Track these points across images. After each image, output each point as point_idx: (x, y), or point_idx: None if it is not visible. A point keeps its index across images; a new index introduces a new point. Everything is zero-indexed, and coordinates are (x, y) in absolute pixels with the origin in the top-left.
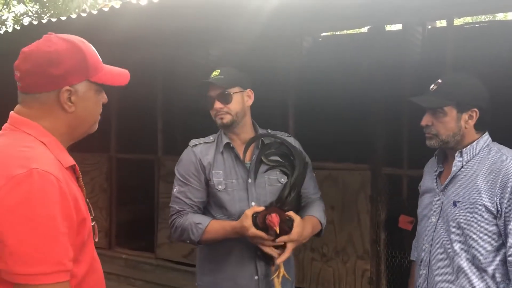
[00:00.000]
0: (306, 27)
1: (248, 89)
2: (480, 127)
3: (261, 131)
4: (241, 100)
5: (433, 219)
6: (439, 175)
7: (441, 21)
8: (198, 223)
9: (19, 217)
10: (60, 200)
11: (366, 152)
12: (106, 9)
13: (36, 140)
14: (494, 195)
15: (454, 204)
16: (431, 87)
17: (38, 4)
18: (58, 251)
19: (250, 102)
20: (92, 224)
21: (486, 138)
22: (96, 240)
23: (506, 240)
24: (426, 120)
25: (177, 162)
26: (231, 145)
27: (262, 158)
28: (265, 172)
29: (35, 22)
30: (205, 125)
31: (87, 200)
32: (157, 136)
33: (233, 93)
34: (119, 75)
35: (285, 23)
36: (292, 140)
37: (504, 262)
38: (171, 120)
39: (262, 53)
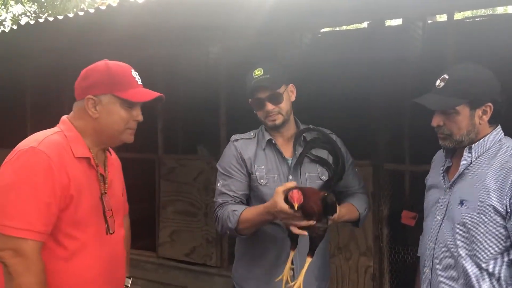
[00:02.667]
0: (306, 23)
1: (290, 84)
2: (493, 121)
3: (302, 127)
4: (288, 98)
5: (438, 217)
6: (447, 170)
7: (441, 15)
8: (234, 210)
9: (9, 180)
10: (45, 173)
11: (367, 148)
12: (103, 7)
13: (61, 132)
14: (504, 196)
15: (461, 203)
16: (437, 84)
17: (36, 4)
18: (32, 213)
19: (293, 97)
20: (109, 217)
21: (498, 132)
22: (111, 232)
23: None
24: (437, 121)
25: (220, 159)
26: (273, 141)
27: (306, 153)
28: (306, 167)
29: (32, 22)
30: (206, 124)
31: (104, 191)
32: (157, 135)
33: (283, 92)
34: (144, 95)
35: (285, 19)
36: (334, 138)
37: (510, 264)
38: (171, 119)
39: (262, 49)
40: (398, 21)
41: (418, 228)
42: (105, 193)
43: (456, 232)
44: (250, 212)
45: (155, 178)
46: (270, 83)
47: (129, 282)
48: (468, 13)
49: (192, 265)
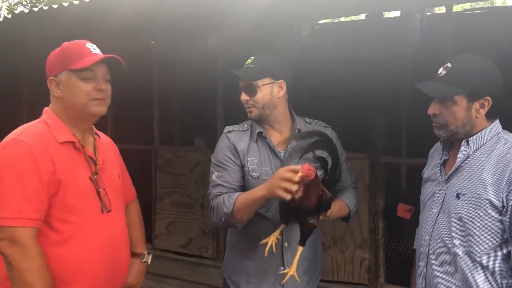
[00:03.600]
0: (303, 15)
1: (280, 80)
2: (491, 115)
3: (298, 119)
4: (269, 92)
5: (434, 210)
6: (444, 163)
7: (440, 8)
8: (230, 196)
9: None
10: (28, 162)
11: (364, 140)
12: None
13: (43, 122)
14: (500, 190)
15: (457, 196)
16: (439, 71)
17: None
18: (20, 201)
19: (281, 93)
20: (102, 195)
21: (495, 126)
22: (107, 210)
23: (511, 237)
24: (433, 109)
25: (214, 152)
26: (264, 134)
27: (309, 151)
28: (298, 162)
29: (26, 11)
30: (202, 115)
31: (96, 172)
32: (153, 127)
33: (261, 85)
34: (93, 59)
35: (282, 11)
36: (329, 131)
37: (505, 258)
38: (168, 109)
39: (259, 41)
40: (396, 13)
41: (414, 221)
42: (97, 173)
43: (452, 226)
44: (246, 193)
45: (151, 170)
46: (247, 74)
47: (149, 258)
48: (466, 6)
49: (189, 257)
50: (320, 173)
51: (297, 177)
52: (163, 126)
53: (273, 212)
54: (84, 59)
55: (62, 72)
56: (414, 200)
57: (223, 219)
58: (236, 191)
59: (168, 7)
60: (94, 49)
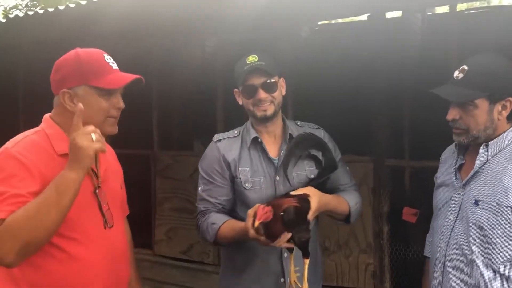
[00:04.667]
0: (303, 16)
1: (282, 78)
2: (511, 117)
3: (288, 122)
4: (280, 90)
5: (451, 217)
6: (459, 168)
7: (439, 7)
8: (213, 223)
9: None
10: (17, 169)
11: (367, 143)
12: None
13: (41, 131)
14: None
15: (476, 203)
16: (455, 75)
17: None
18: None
19: (283, 92)
20: (105, 210)
21: None
22: (109, 226)
23: None
24: (453, 114)
25: (201, 159)
26: (259, 139)
27: (293, 152)
28: (294, 167)
29: (21, 14)
30: (202, 119)
31: (98, 185)
32: (152, 131)
33: (277, 82)
34: (120, 79)
35: (281, 12)
36: (322, 133)
37: None
38: (166, 113)
39: (259, 43)
40: (397, 13)
41: (419, 225)
42: (99, 187)
43: (470, 234)
44: (228, 229)
45: (151, 175)
46: (266, 69)
47: None
48: (464, 6)
49: (189, 263)
50: (313, 173)
51: (256, 225)
52: (162, 130)
53: None
54: (107, 76)
55: (80, 86)
56: (419, 203)
57: (207, 242)
58: (223, 205)
59: (165, 9)
60: (112, 63)
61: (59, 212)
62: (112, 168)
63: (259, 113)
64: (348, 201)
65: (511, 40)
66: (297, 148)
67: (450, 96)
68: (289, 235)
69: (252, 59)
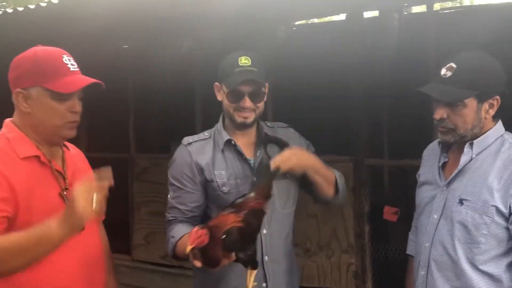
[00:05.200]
0: (280, 15)
1: (266, 83)
2: (497, 115)
3: (262, 123)
4: (264, 97)
5: (435, 216)
6: (443, 166)
7: (416, 7)
8: (172, 237)
9: None
10: None
11: (347, 143)
12: None
13: (2, 135)
14: (508, 196)
15: (461, 202)
16: (443, 73)
17: None
18: None
19: (265, 97)
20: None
21: (499, 127)
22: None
23: None
24: (440, 113)
25: (170, 163)
26: (233, 142)
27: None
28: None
29: None
30: (180, 121)
31: (65, 187)
32: (129, 134)
33: (264, 91)
34: (75, 83)
35: (259, 11)
36: (291, 132)
37: (510, 266)
38: (143, 116)
39: (236, 43)
40: (374, 13)
41: (400, 224)
42: (67, 189)
43: (454, 233)
44: (183, 244)
45: (128, 179)
46: (257, 77)
47: None
48: (440, 5)
49: (169, 268)
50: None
51: (187, 251)
52: (139, 133)
53: None
54: (63, 79)
55: (34, 87)
56: (399, 202)
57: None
58: (194, 212)
59: (140, 8)
60: (72, 64)
61: (30, 259)
62: (80, 170)
63: (239, 119)
64: (335, 174)
65: (486, 39)
66: (267, 151)
67: (440, 95)
68: (233, 258)
69: (244, 61)
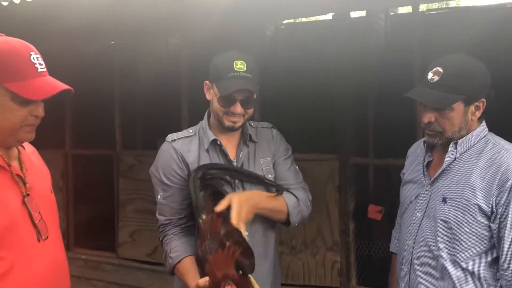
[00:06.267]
0: (268, 14)
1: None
2: (482, 117)
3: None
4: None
5: (418, 214)
6: (427, 165)
7: (402, 8)
8: (171, 256)
9: None
10: None
11: (332, 141)
12: None
13: None
14: (490, 195)
15: (444, 200)
16: (430, 77)
17: None
18: None
19: (255, 103)
20: (37, 221)
21: (483, 128)
22: (43, 238)
23: (499, 244)
24: (428, 117)
25: (154, 163)
26: (218, 142)
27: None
28: (252, 169)
29: None
30: (166, 118)
31: (26, 192)
32: (115, 131)
33: (256, 98)
34: (43, 89)
35: (246, 10)
36: (274, 132)
37: (491, 264)
38: (129, 113)
39: (224, 42)
40: (361, 13)
41: (384, 222)
42: (28, 194)
43: (437, 231)
44: (182, 270)
45: (113, 176)
46: (250, 85)
47: None
48: (426, 6)
49: (155, 265)
50: (270, 173)
51: None
52: (125, 130)
53: None
54: (29, 81)
55: None
56: (384, 200)
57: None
58: (186, 214)
59: (127, 7)
60: (39, 64)
61: None
62: (38, 170)
63: (227, 123)
64: (286, 200)
65: (471, 40)
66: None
67: (430, 102)
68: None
69: (240, 66)
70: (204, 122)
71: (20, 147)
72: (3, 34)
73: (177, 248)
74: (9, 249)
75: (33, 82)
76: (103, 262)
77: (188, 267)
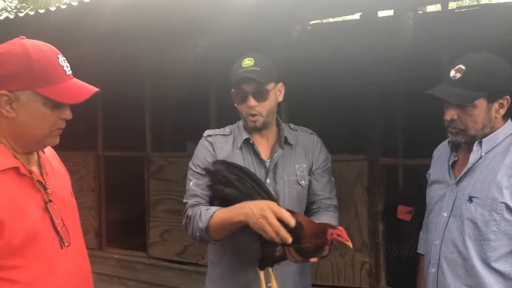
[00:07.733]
0: (295, 15)
1: (280, 83)
2: (507, 114)
3: (283, 125)
4: (274, 97)
5: (444, 214)
6: (453, 164)
7: (430, 6)
8: (207, 209)
9: None
10: None
11: (361, 142)
12: (87, 0)
13: None
14: None
15: (470, 199)
16: (452, 74)
17: None
18: None
19: (280, 97)
20: (60, 228)
21: (509, 126)
22: (66, 245)
23: None
24: (450, 114)
25: (193, 156)
26: (251, 141)
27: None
28: (284, 171)
29: (11, 16)
30: (195, 120)
31: (48, 198)
32: (145, 133)
33: (270, 89)
34: (75, 93)
35: (273, 11)
36: (315, 139)
37: None
38: (159, 115)
39: (250, 43)
40: (389, 12)
41: (413, 223)
42: (50, 201)
43: (465, 230)
44: (223, 212)
45: (144, 177)
46: (258, 76)
47: None
48: (456, 4)
49: (184, 265)
50: (303, 179)
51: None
52: (155, 131)
53: None
54: (60, 85)
55: (25, 91)
56: (413, 201)
57: (198, 234)
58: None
59: (156, 10)
60: (66, 66)
61: None
62: (58, 174)
63: (249, 123)
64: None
65: (501, 38)
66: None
67: (450, 98)
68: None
69: (247, 62)
70: (240, 122)
71: (40, 151)
72: (24, 37)
73: (211, 207)
74: (32, 258)
75: (64, 86)
76: (134, 261)
77: (226, 210)
